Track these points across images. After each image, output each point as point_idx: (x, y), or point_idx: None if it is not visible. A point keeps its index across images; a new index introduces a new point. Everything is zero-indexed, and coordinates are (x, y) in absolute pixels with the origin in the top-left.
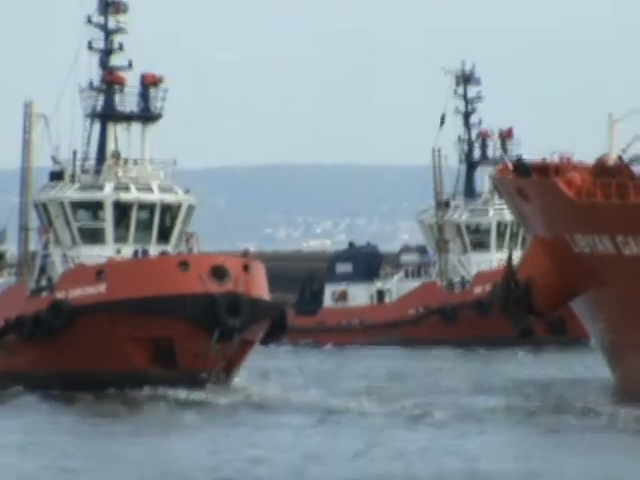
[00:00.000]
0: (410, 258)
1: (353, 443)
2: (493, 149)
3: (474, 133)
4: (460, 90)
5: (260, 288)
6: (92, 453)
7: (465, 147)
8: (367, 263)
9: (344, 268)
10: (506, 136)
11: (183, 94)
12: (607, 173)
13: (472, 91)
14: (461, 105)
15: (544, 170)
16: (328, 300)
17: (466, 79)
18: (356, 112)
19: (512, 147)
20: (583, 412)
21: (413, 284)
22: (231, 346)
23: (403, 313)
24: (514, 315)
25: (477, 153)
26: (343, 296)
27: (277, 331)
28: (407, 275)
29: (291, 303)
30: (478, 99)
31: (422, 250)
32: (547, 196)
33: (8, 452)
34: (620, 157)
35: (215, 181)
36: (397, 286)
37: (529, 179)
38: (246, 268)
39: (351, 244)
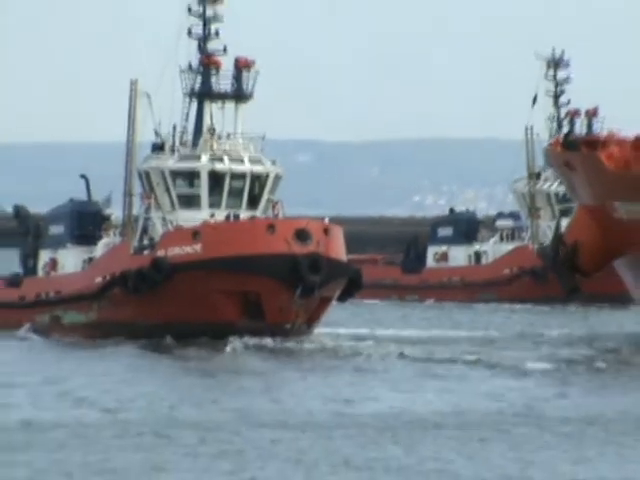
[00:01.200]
0: (505, 223)
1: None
2: (580, 127)
3: (563, 112)
4: (550, 73)
5: (338, 250)
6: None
7: (555, 125)
8: (466, 227)
9: (445, 232)
10: (592, 114)
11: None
12: None
13: (561, 74)
14: (551, 87)
15: (591, 144)
16: (430, 260)
17: (556, 63)
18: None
19: (597, 125)
20: None
21: (507, 247)
22: (312, 301)
23: (498, 273)
24: (562, 274)
25: (566, 130)
26: (444, 257)
27: (353, 289)
28: (502, 239)
29: (399, 262)
30: (566, 81)
31: (516, 216)
32: (590, 168)
33: (110, 381)
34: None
35: (371, 153)
36: (493, 249)
37: (575, 152)
38: (326, 232)
39: (452, 210)
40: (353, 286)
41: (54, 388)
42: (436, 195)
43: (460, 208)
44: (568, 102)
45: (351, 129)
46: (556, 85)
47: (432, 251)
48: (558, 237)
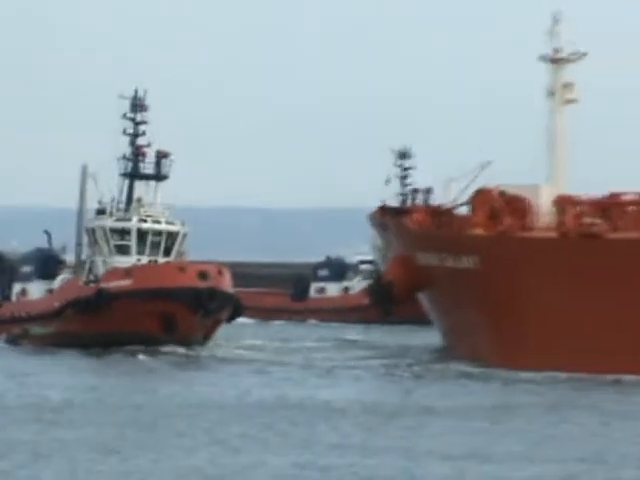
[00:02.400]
0: (366, 267)
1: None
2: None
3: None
4: (399, 162)
5: (227, 285)
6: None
7: (401, 199)
8: (337, 269)
9: (323, 272)
10: (428, 192)
11: None
12: (438, 214)
13: (407, 163)
14: (399, 172)
15: (400, 212)
16: (312, 292)
17: (403, 155)
18: None
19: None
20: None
21: (366, 283)
22: (209, 321)
23: (344, 301)
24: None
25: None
26: (321, 290)
27: (235, 314)
28: (364, 278)
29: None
30: (410, 167)
31: (374, 262)
32: (398, 228)
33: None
34: (451, 204)
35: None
36: (357, 285)
37: (389, 217)
38: (220, 272)
39: (328, 257)
40: (236, 311)
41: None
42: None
43: (334, 255)
44: (411, 183)
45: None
46: (403, 170)
47: (314, 286)
48: (379, 277)
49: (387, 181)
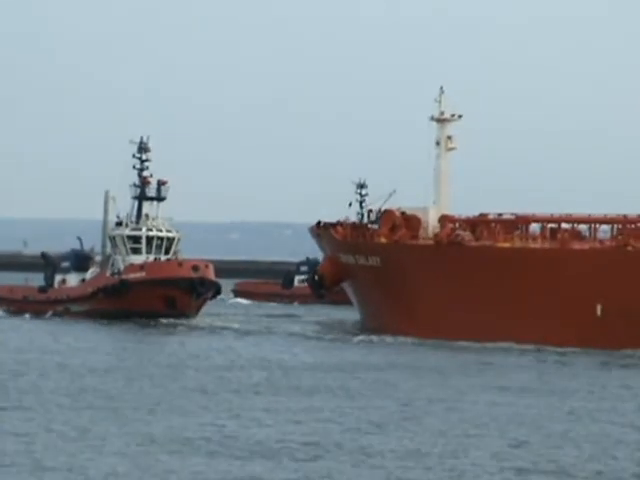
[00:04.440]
0: None
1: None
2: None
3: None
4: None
5: (212, 275)
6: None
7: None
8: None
9: (303, 269)
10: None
11: None
12: (356, 227)
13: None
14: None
15: (329, 226)
16: (296, 282)
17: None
18: None
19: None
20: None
21: None
22: (199, 301)
23: None
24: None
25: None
26: (303, 281)
27: (216, 294)
28: None
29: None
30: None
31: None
32: (328, 237)
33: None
34: (365, 220)
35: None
36: None
37: (322, 230)
38: (207, 266)
39: (307, 258)
40: (216, 292)
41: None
42: None
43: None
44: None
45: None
46: (360, 196)
47: (297, 278)
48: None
49: (349, 204)
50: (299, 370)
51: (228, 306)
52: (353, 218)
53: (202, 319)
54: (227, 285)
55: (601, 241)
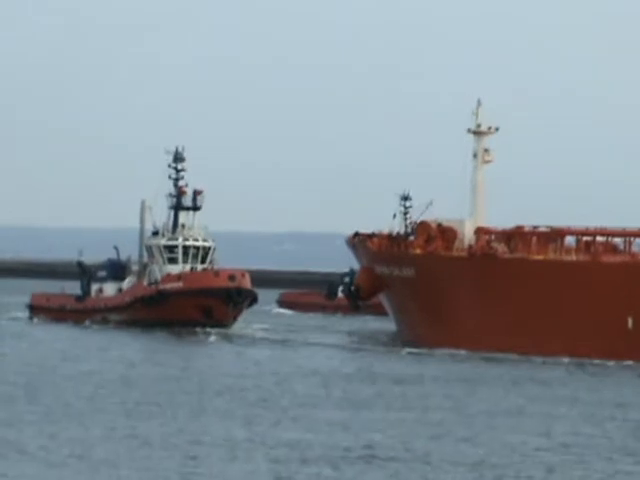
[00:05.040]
0: None
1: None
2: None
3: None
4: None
5: (248, 284)
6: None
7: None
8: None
9: (346, 279)
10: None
11: None
12: (391, 239)
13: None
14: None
15: (366, 237)
16: (339, 294)
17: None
18: None
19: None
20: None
21: None
22: (236, 310)
23: None
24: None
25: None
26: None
27: (252, 303)
28: None
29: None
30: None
31: None
32: (364, 248)
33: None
34: (400, 231)
35: None
36: None
37: (357, 241)
38: (243, 275)
39: (351, 268)
40: (253, 301)
41: (101, 353)
42: None
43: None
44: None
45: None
46: (404, 208)
47: (341, 288)
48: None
49: (394, 216)
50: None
51: (272, 315)
52: (398, 230)
53: (239, 329)
54: (273, 296)
55: (633, 254)
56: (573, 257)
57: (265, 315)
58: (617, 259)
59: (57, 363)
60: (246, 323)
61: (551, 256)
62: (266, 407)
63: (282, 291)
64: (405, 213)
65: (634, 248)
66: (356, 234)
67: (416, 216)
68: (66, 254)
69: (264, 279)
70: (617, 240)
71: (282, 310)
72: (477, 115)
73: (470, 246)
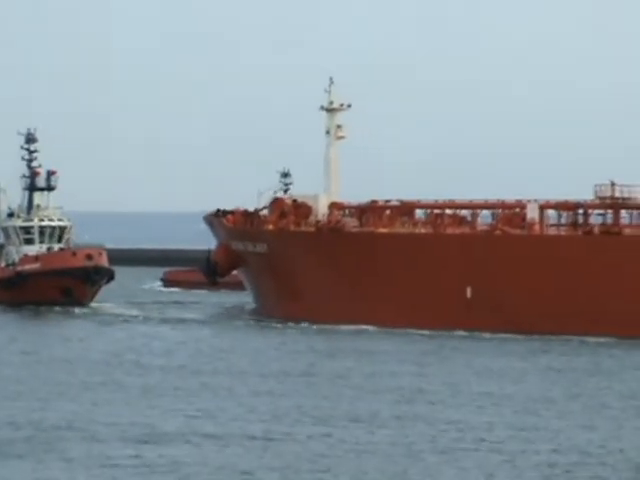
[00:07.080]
0: None
1: None
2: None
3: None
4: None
5: (105, 262)
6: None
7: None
8: None
9: None
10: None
11: None
12: (246, 215)
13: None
14: None
15: (221, 214)
16: None
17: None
18: None
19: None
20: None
21: None
22: (94, 288)
23: None
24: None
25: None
26: None
27: (109, 280)
28: None
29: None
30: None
31: None
32: (220, 225)
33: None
34: (257, 208)
35: None
36: None
37: (214, 218)
38: (100, 254)
39: None
40: (110, 278)
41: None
42: None
43: None
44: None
45: None
46: (284, 185)
47: None
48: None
49: (274, 193)
50: None
51: (156, 293)
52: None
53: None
54: (157, 274)
55: (475, 226)
56: (418, 230)
57: (147, 293)
58: (458, 231)
59: None
60: (117, 303)
61: (397, 229)
62: None
63: (166, 269)
64: (285, 191)
65: (479, 220)
66: (217, 211)
67: (272, 193)
68: None
69: (144, 257)
70: (464, 212)
71: (165, 288)
72: (330, 92)
73: (318, 221)
